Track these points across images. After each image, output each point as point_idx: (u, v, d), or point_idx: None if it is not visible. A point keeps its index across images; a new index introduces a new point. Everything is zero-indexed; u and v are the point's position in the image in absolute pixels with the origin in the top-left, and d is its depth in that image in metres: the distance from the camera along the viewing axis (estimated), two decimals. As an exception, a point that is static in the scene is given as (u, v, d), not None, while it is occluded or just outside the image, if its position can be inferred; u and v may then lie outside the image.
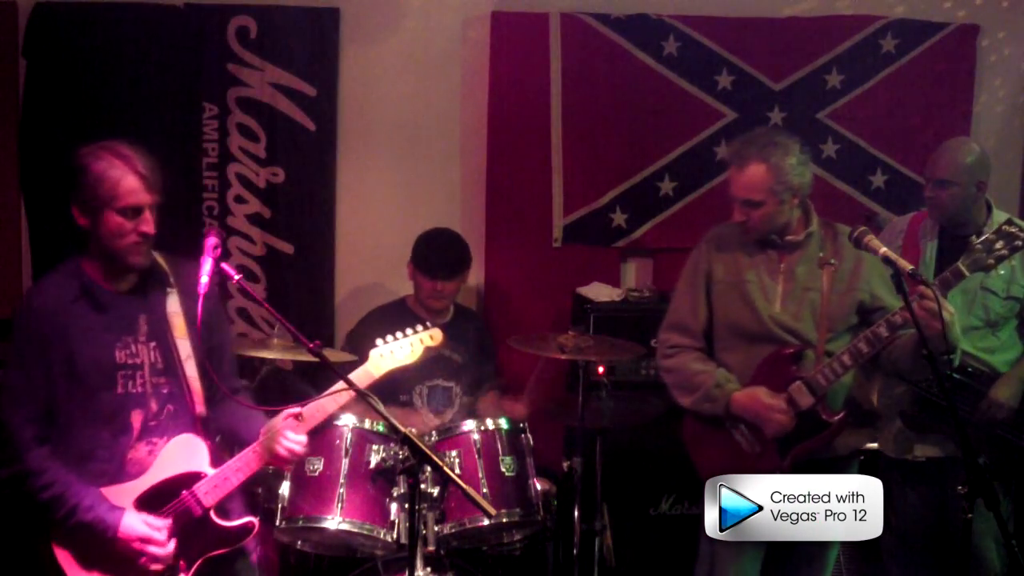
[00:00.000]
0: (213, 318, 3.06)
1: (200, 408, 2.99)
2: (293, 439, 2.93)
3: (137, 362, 2.93)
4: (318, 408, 3.00)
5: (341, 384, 2.93)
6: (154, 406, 2.95)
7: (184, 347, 2.97)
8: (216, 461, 2.98)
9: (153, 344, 2.96)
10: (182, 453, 2.95)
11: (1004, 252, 3.21)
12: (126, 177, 2.84)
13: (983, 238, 3.24)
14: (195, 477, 2.94)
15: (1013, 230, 3.19)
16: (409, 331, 3.15)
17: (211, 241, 2.90)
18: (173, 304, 2.98)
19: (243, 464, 2.95)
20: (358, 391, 2.89)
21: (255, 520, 3.02)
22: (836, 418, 3.38)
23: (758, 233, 3.46)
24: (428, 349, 3.19)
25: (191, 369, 2.97)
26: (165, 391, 2.96)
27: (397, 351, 3.11)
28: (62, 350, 2.87)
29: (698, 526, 3.32)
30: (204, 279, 2.86)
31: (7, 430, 2.86)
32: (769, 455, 3.37)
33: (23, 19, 4.73)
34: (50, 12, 4.72)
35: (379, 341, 3.12)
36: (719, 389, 3.41)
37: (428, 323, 4.23)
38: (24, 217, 4.83)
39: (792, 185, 3.38)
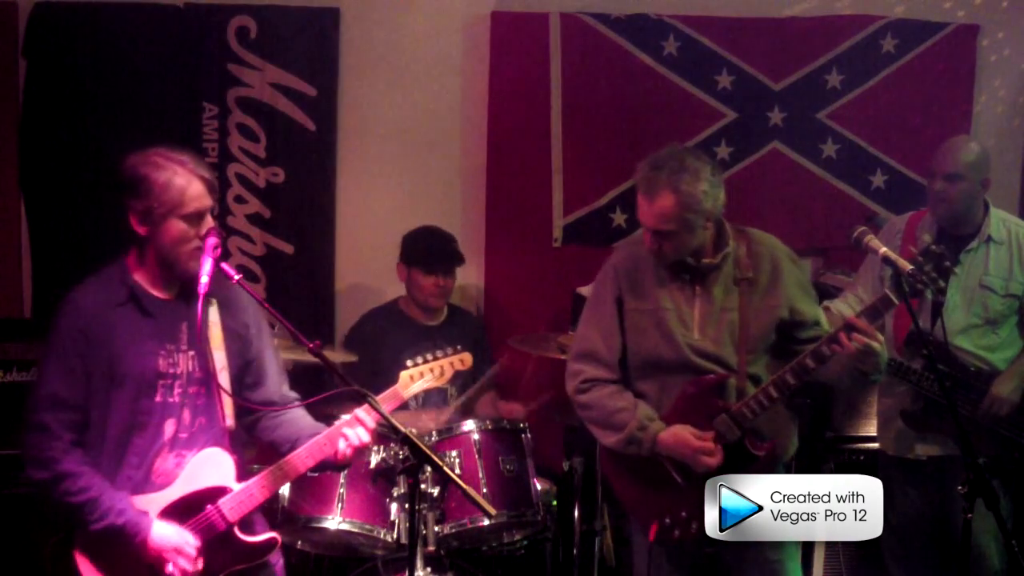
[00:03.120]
0: (252, 329, 3.05)
1: (230, 422, 2.96)
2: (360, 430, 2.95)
3: (177, 371, 2.91)
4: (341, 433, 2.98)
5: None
6: (187, 417, 2.93)
7: (220, 358, 2.94)
8: (242, 476, 2.96)
9: (192, 353, 2.93)
10: (209, 467, 2.93)
11: (933, 274, 3.10)
12: (192, 183, 2.83)
13: (915, 261, 3.10)
14: (221, 492, 2.92)
15: (939, 250, 3.10)
16: (439, 353, 3.14)
17: (211, 241, 2.88)
18: (213, 314, 2.95)
19: (269, 481, 2.94)
20: (358, 391, 2.88)
21: (278, 536, 3.01)
22: (764, 449, 3.22)
23: (670, 260, 3.25)
24: (456, 372, 3.18)
25: (224, 381, 2.94)
26: (199, 402, 2.94)
27: (427, 373, 3.09)
28: (105, 354, 2.84)
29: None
30: (204, 279, 2.85)
31: (45, 434, 2.81)
32: (697, 488, 3.13)
33: (23, 19, 4.73)
34: (50, 12, 4.72)
35: (409, 362, 3.10)
36: (643, 432, 3.19)
37: (423, 326, 4.29)
38: (24, 217, 4.83)
39: (705, 211, 3.16)
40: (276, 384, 3.12)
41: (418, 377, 3.08)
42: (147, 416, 2.88)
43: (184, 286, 2.94)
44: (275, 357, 3.16)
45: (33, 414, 2.83)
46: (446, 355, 3.14)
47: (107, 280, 2.92)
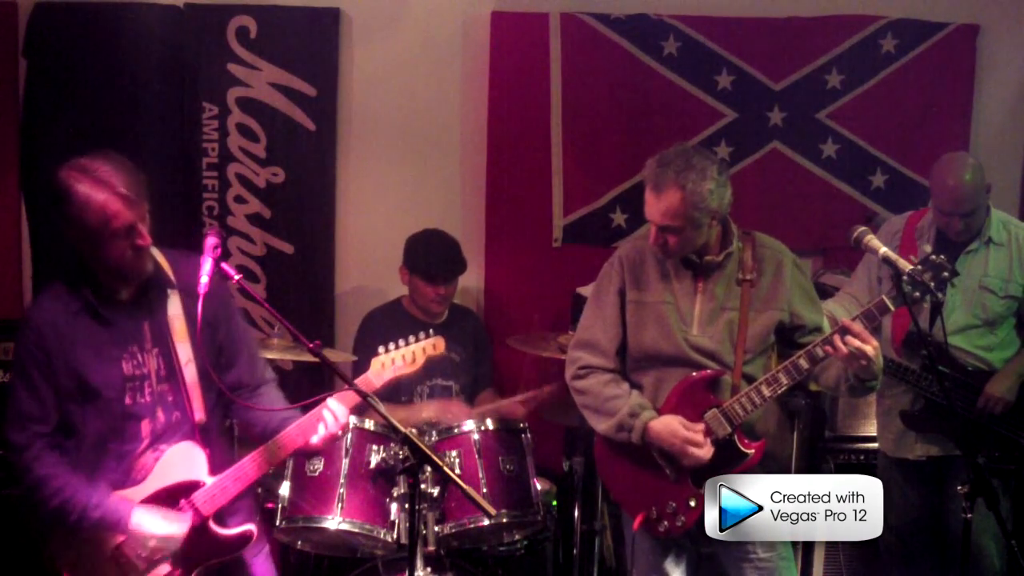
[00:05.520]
0: (219, 313, 3.01)
1: (200, 415, 2.95)
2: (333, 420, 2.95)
3: (144, 372, 2.90)
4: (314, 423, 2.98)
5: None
6: (161, 415, 2.93)
7: (184, 352, 2.92)
8: (215, 469, 2.96)
9: (156, 351, 2.92)
10: (181, 461, 2.93)
11: (931, 284, 3.08)
12: (110, 201, 2.73)
13: (913, 269, 3.08)
14: (193, 486, 2.92)
15: (939, 261, 3.09)
16: (411, 339, 3.12)
17: (211, 241, 2.86)
18: (174, 307, 2.93)
19: (242, 473, 2.93)
20: (359, 392, 2.89)
21: (253, 528, 3.00)
22: (755, 447, 3.23)
23: (674, 256, 3.30)
24: (429, 357, 3.17)
25: (191, 375, 2.93)
26: (170, 399, 2.94)
27: (399, 360, 3.08)
28: (69, 366, 2.83)
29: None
30: (204, 279, 2.83)
31: (16, 451, 2.82)
32: (684, 483, 3.24)
33: (23, 19, 4.74)
34: (50, 12, 4.72)
35: (380, 349, 3.09)
36: (634, 418, 3.22)
37: (425, 325, 4.28)
38: (24, 217, 4.84)
39: (710, 209, 3.19)
40: (248, 366, 3.10)
41: (390, 364, 3.07)
42: (121, 420, 2.88)
43: (140, 285, 2.92)
44: (248, 340, 3.15)
45: (6, 432, 2.84)
46: (417, 340, 3.12)
47: (60, 291, 2.88)
